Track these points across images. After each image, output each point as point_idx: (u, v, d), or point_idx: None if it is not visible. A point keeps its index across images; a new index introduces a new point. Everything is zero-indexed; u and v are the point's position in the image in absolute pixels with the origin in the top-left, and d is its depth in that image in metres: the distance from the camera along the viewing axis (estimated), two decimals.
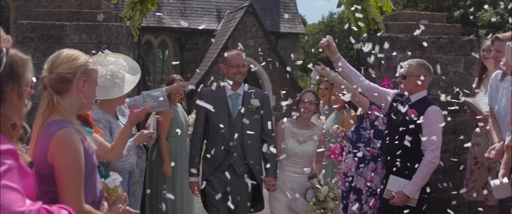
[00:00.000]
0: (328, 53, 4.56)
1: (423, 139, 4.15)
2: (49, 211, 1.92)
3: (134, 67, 4.22)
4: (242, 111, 4.69)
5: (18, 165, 1.86)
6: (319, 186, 4.73)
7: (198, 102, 4.58)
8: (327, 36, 4.61)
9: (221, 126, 4.60)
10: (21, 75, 1.94)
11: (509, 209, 3.81)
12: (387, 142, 4.41)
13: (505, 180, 3.75)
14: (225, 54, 4.80)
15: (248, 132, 4.65)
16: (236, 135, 4.61)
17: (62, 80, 2.39)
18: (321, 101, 6.66)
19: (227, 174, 4.55)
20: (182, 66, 23.47)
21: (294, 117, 5.04)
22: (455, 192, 5.34)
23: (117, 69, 4.03)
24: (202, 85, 4.97)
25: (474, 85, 5.32)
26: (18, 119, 1.97)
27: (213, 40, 21.07)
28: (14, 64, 1.91)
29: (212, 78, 5.31)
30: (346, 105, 5.73)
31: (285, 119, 5.05)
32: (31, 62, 2.03)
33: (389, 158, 4.33)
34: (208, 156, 4.67)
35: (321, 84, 6.51)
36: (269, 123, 4.79)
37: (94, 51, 4.78)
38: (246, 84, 4.87)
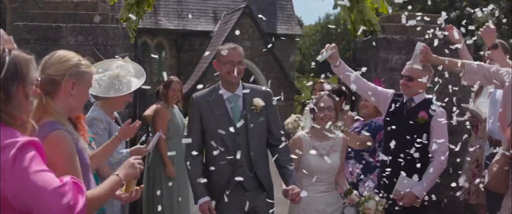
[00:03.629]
0: (330, 61, 4.38)
1: (438, 140, 4.16)
2: (76, 182, 1.97)
3: (139, 72, 4.22)
4: (244, 113, 3.94)
5: (41, 154, 1.94)
6: (358, 199, 4.14)
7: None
8: (332, 45, 4.34)
9: (224, 136, 3.85)
10: (26, 74, 1.97)
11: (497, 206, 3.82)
12: (389, 143, 4.27)
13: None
14: (218, 48, 3.99)
15: (255, 138, 3.94)
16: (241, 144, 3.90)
17: (51, 82, 2.38)
18: None
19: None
20: (179, 68, 23.46)
21: (311, 127, 4.37)
22: (452, 193, 5.35)
23: (124, 73, 4.03)
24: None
25: (475, 86, 5.31)
26: (26, 117, 2.00)
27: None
28: (18, 64, 1.94)
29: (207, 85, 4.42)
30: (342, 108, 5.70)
31: (301, 132, 4.43)
32: (34, 61, 2.05)
33: (392, 159, 4.24)
34: (211, 174, 3.88)
35: (315, 86, 6.46)
36: (277, 124, 4.08)
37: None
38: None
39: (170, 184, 5.71)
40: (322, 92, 4.35)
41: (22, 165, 1.83)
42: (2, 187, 1.82)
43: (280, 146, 4.00)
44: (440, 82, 4.50)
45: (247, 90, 3.98)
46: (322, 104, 4.20)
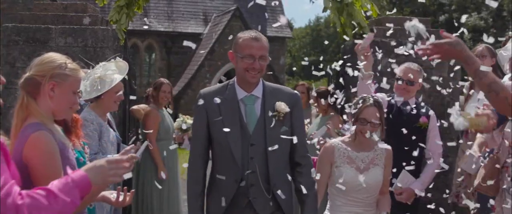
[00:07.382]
0: (366, 61, 4.06)
1: (435, 142, 4.29)
2: (23, 195, 1.89)
3: (123, 67, 4.21)
4: (263, 119, 3.14)
5: (4, 153, 1.92)
6: None
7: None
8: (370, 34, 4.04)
9: (232, 145, 3.09)
10: None
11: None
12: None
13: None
14: (237, 36, 3.19)
15: (274, 152, 3.08)
16: (255, 158, 3.11)
17: (32, 82, 2.38)
18: None
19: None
20: (169, 70, 23.42)
21: (347, 136, 3.64)
22: (441, 195, 5.38)
23: (104, 73, 4.05)
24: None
25: (464, 90, 5.34)
26: None
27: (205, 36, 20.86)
28: None
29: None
30: (332, 111, 5.70)
31: (335, 139, 3.66)
32: None
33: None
34: (214, 190, 3.19)
35: (297, 88, 6.44)
36: (303, 136, 3.24)
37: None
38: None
39: (160, 187, 5.69)
40: (370, 98, 3.49)
41: None
42: None
43: (304, 165, 3.20)
44: (429, 86, 4.53)
45: (268, 91, 3.21)
46: (365, 118, 3.42)
